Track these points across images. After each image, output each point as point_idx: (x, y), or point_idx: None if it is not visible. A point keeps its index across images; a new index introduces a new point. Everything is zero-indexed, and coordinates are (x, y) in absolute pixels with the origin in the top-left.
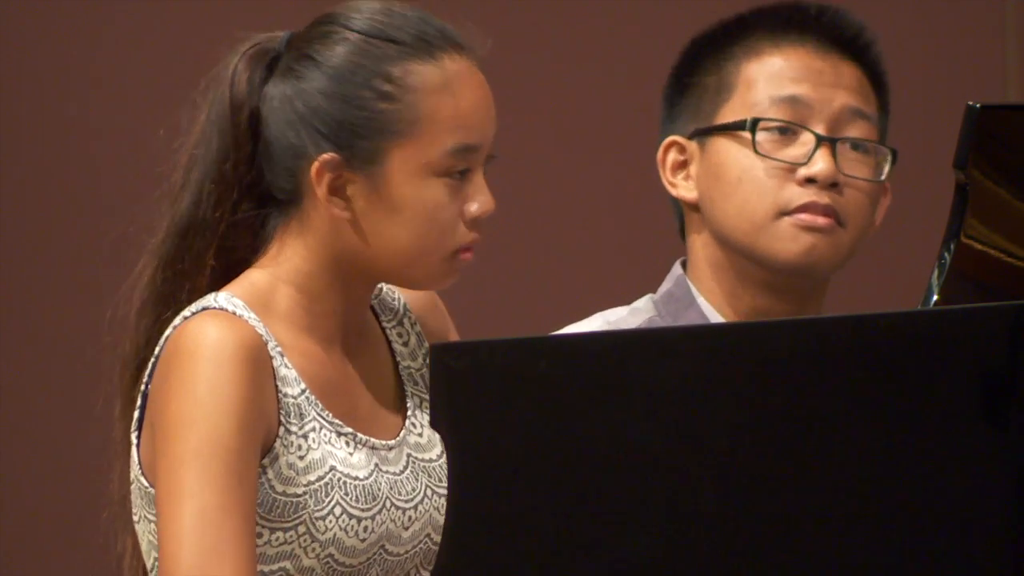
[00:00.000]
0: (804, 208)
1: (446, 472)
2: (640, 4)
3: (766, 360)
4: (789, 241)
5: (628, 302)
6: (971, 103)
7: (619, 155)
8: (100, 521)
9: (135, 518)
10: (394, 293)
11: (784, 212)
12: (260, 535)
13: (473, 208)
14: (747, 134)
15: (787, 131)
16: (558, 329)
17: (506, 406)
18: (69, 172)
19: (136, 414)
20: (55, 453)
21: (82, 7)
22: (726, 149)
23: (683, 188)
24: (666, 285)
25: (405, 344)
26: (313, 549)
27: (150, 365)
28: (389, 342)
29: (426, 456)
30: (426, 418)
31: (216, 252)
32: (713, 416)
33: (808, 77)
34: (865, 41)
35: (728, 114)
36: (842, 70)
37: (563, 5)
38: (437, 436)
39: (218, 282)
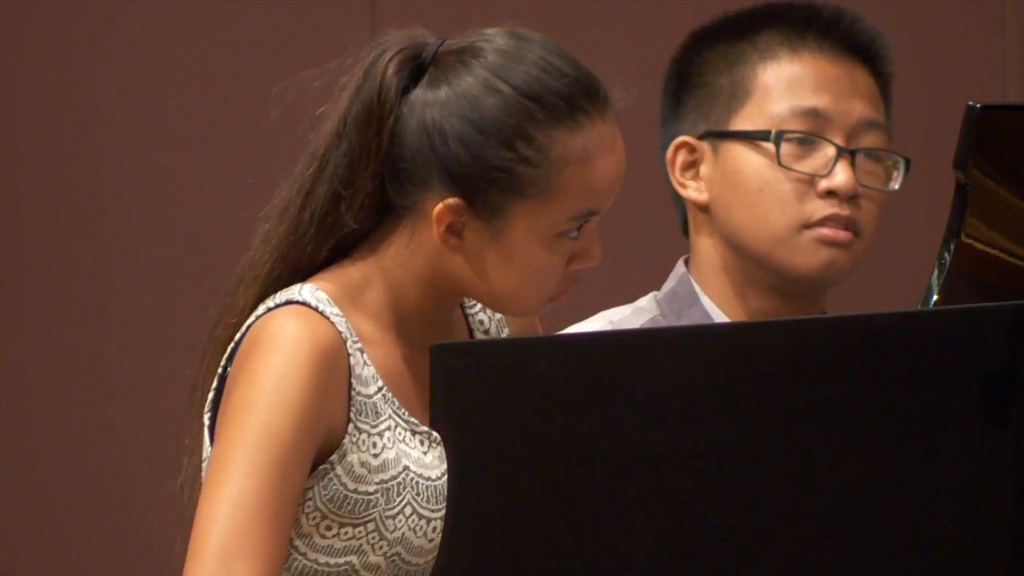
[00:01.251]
0: (826, 221)
1: None
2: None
3: (766, 360)
4: (809, 255)
5: (631, 300)
6: (971, 103)
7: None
8: (168, 492)
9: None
10: None
11: (806, 225)
12: (329, 528)
13: (579, 261)
14: (768, 144)
15: (807, 142)
16: (561, 329)
17: (506, 406)
18: (69, 173)
19: (211, 395)
20: (55, 453)
21: (82, 7)
22: (744, 157)
23: (693, 189)
24: (670, 283)
25: (486, 332)
26: (381, 547)
27: (229, 350)
28: (471, 331)
29: None
30: None
31: (332, 249)
32: (713, 416)
33: (827, 87)
34: (880, 47)
35: (744, 121)
36: (857, 77)
37: (565, 1)
38: None
39: (322, 269)
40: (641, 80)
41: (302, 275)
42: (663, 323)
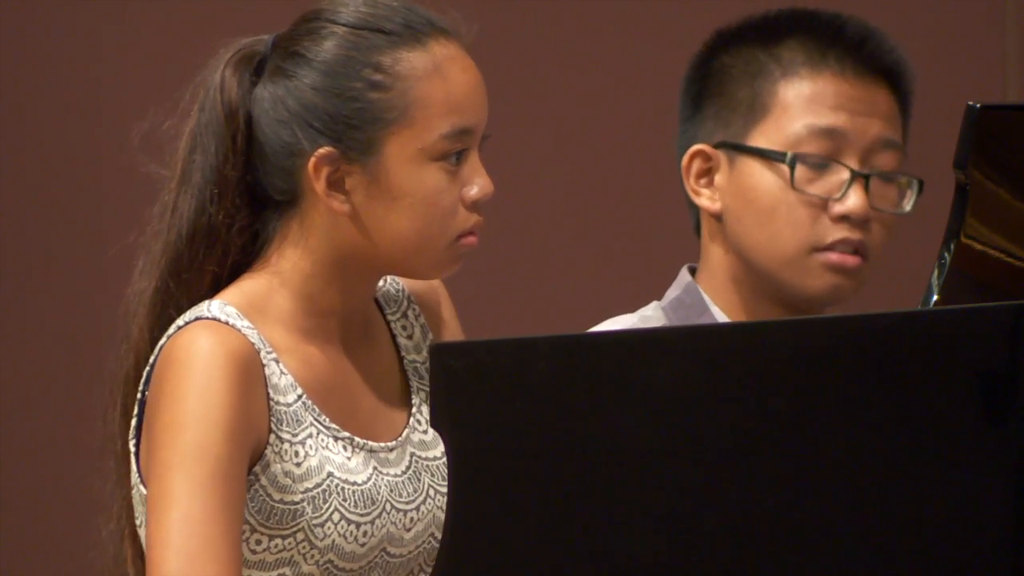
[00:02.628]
0: (836, 245)
1: None
2: (652, 4)
3: (766, 360)
4: (816, 278)
5: (632, 304)
6: (971, 103)
7: (626, 156)
8: (101, 531)
9: (138, 524)
10: (398, 284)
11: (816, 248)
12: (259, 542)
13: (472, 191)
14: (783, 166)
15: (822, 165)
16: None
17: (506, 406)
18: (69, 175)
19: (134, 422)
20: (54, 454)
21: (82, 7)
22: (759, 174)
23: (706, 197)
24: (674, 291)
25: (409, 337)
26: (312, 556)
27: (145, 374)
28: (393, 336)
29: (430, 454)
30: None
31: (219, 258)
32: (713, 416)
33: (845, 105)
34: (903, 69)
35: (761, 137)
36: (877, 97)
37: (577, 3)
38: None
39: (215, 288)
40: (646, 84)
41: (199, 293)
42: None
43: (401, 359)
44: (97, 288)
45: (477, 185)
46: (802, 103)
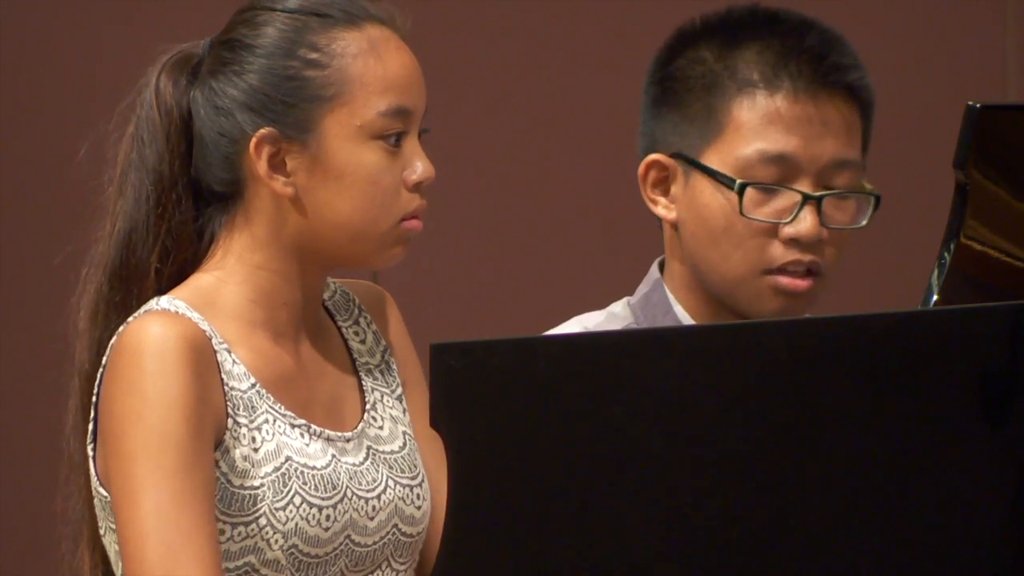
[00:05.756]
0: (786, 267)
1: (409, 463)
2: (649, 6)
3: (766, 360)
4: (765, 301)
5: (605, 300)
6: (971, 103)
7: (598, 154)
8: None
9: (100, 531)
10: (348, 294)
11: (766, 270)
12: (223, 531)
13: (414, 174)
14: (731, 190)
15: (773, 189)
16: (533, 331)
17: (506, 406)
18: (69, 173)
19: (91, 427)
20: (54, 452)
21: (82, 6)
22: (710, 194)
23: (662, 207)
24: (643, 288)
25: (363, 342)
26: (276, 541)
27: (99, 376)
28: (345, 340)
29: (387, 448)
30: (387, 411)
31: (160, 255)
32: (713, 416)
33: (799, 129)
34: (862, 84)
35: (714, 155)
36: (832, 115)
37: (550, 4)
38: (399, 428)
39: (160, 286)
40: (619, 82)
41: (144, 291)
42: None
43: (353, 360)
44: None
45: (419, 167)
46: (754, 125)
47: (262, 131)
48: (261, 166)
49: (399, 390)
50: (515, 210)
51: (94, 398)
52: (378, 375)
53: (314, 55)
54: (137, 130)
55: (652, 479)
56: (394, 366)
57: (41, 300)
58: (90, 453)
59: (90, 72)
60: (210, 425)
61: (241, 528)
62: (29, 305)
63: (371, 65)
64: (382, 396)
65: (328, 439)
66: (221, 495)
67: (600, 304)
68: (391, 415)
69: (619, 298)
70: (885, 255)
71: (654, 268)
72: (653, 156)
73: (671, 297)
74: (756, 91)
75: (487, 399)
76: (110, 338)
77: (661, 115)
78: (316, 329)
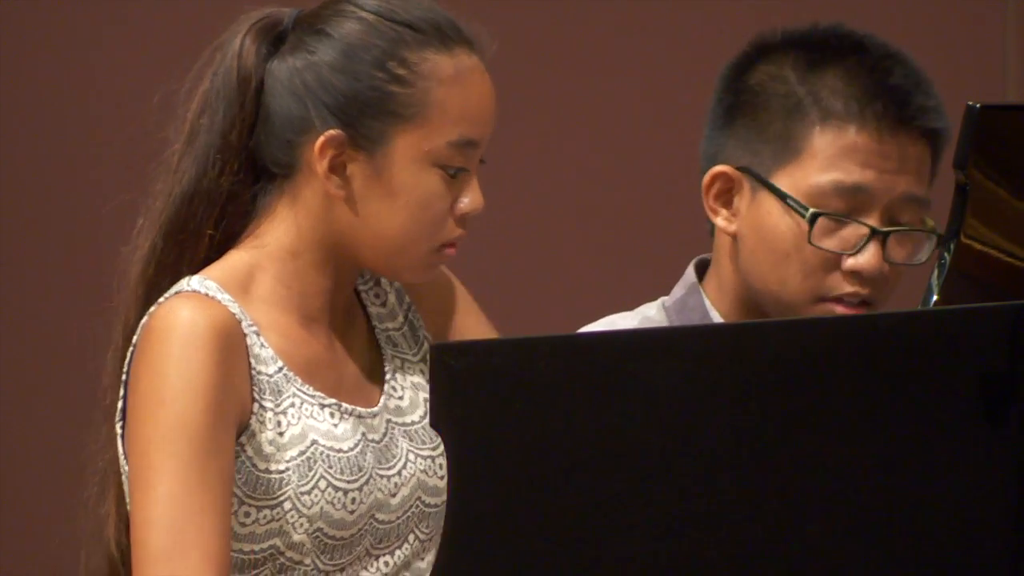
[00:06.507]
0: (843, 298)
1: (430, 433)
2: (664, 5)
3: (766, 360)
4: None
5: (635, 304)
6: (971, 103)
7: (628, 154)
8: (85, 492)
9: (128, 507)
10: None
11: (824, 298)
12: (248, 514)
13: (464, 204)
14: (803, 218)
15: (843, 220)
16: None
17: (506, 406)
18: (65, 169)
19: (120, 404)
20: (55, 452)
21: (83, 7)
22: (778, 216)
23: (723, 218)
24: (679, 291)
25: (383, 304)
26: (301, 524)
27: (130, 354)
28: (364, 306)
29: (407, 419)
30: (407, 379)
31: (215, 222)
32: (713, 416)
33: (876, 164)
34: (941, 122)
35: (787, 178)
36: (910, 153)
37: (589, 7)
38: (420, 397)
39: (213, 255)
40: (650, 90)
41: (195, 256)
42: None
43: (372, 329)
44: (95, 288)
45: (470, 199)
46: (832, 156)
47: (331, 132)
48: (321, 165)
49: (423, 350)
50: (544, 209)
51: (124, 376)
52: (398, 340)
53: (402, 71)
54: (211, 90)
55: (652, 479)
56: (419, 325)
57: (41, 302)
58: (119, 431)
59: (89, 72)
60: (232, 415)
61: (267, 511)
62: (29, 306)
63: (453, 94)
64: (403, 363)
65: (359, 416)
66: (246, 478)
67: (628, 304)
68: (412, 382)
69: (647, 298)
70: None
71: (690, 271)
72: (720, 168)
73: (707, 302)
74: (838, 124)
75: (487, 399)
76: (157, 295)
77: (733, 125)
78: (346, 314)
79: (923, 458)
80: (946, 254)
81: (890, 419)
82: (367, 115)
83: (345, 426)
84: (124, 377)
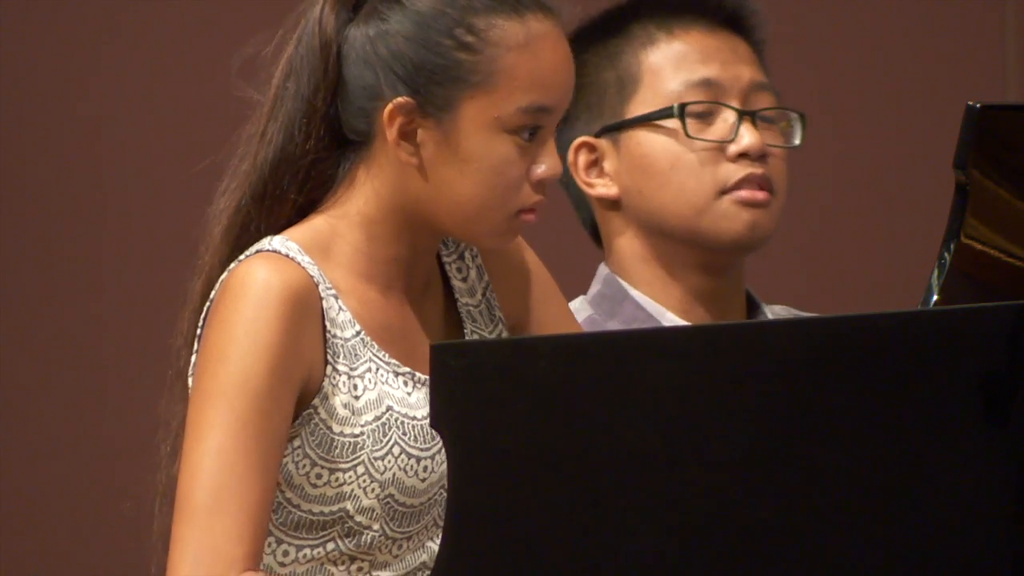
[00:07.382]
0: (742, 183)
1: None
2: None
3: (766, 360)
4: (732, 219)
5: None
6: (971, 103)
7: None
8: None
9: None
10: None
11: (723, 190)
12: (320, 476)
13: (540, 170)
14: (669, 123)
15: (706, 114)
16: None
17: (506, 406)
18: (70, 169)
19: (193, 359)
20: (54, 452)
21: (82, 7)
22: (649, 140)
23: (601, 186)
24: (595, 287)
25: (464, 280)
26: (373, 489)
27: (205, 310)
28: (447, 278)
29: None
30: None
31: (298, 187)
32: (713, 416)
33: (713, 57)
34: (750, 14)
35: (639, 106)
36: (736, 46)
37: None
38: None
39: (295, 219)
40: None
41: (279, 220)
42: (600, 322)
43: (455, 302)
44: (95, 287)
45: (546, 164)
46: (670, 64)
47: (399, 99)
48: (391, 132)
49: (498, 330)
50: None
51: (198, 331)
52: (478, 317)
53: (469, 38)
54: (296, 56)
55: (652, 478)
56: (495, 304)
57: (41, 306)
58: (190, 384)
59: (88, 72)
60: (297, 379)
61: (339, 474)
62: (29, 308)
63: (523, 61)
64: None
65: None
66: (320, 440)
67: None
68: None
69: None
70: (885, 255)
71: (602, 267)
72: (579, 139)
73: (625, 284)
74: (658, 38)
75: (487, 399)
76: (237, 254)
77: (571, 107)
78: (426, 283)
79: (923, 458)
80: (946, 254)
81: (890, 419)
82: (434, 82)
83: (418, 395)
84: (198, 331)
